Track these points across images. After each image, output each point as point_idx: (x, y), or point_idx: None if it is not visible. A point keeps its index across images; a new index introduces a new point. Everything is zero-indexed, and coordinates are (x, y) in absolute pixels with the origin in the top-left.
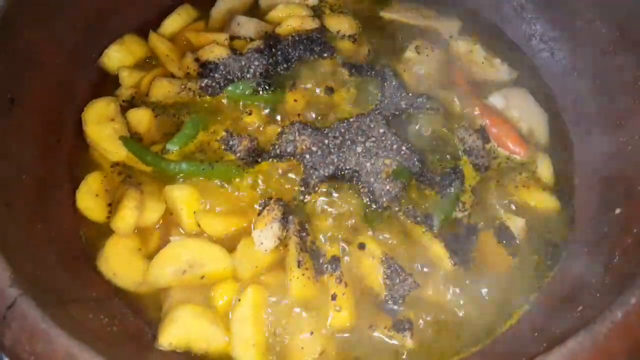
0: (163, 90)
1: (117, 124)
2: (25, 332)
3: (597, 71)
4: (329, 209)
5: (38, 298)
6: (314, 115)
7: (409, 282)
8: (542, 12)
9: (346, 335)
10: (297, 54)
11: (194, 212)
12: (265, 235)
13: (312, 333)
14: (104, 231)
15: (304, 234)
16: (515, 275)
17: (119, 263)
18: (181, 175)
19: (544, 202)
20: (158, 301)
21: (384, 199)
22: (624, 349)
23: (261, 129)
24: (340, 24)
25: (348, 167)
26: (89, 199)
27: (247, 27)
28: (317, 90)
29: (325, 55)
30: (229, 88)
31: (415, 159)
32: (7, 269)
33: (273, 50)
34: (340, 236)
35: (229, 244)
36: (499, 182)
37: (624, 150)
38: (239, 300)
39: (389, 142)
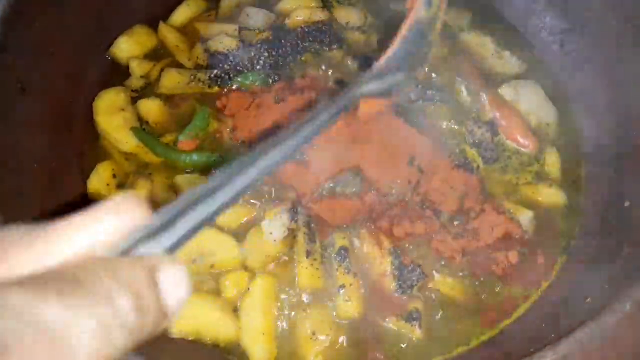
0: (172, 80)
1: (128, 113)
2: None
3: (607, 64)
4: (338, 200)
5: None
6: None
7: (417, 273)
8: (552, 5)
9: (355, 325)
10: (306, 45)
11: None
12: (274, 225)
13: (321, 323)
14: None
15: (313, 224)
16: (523, 266)
17: None
18: (192, 166)
19: (552, 194)
20: None
21: (393, 190)
22: (632, 340)
23: None
24: (349, 16)
25: None
26: (100, 188)
27: (256, 18)
28: (326, 81)
29: (334, 46)
30: (238, 79)
31: None
32: None
33: (282, 41)
34: (348, 227)
35: (239, 234)
36: (507, 174)
37: (634, 143)
38: (249, 289)
39: None
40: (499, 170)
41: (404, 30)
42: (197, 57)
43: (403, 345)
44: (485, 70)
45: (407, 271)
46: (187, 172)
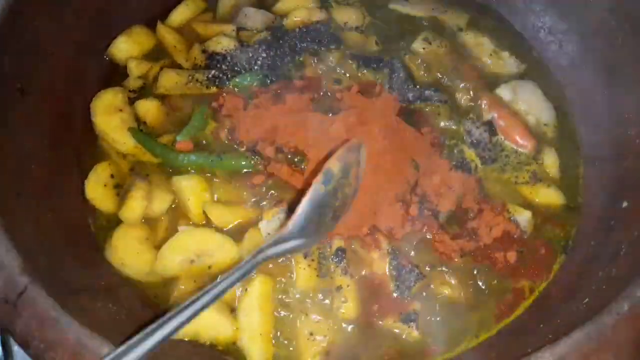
0: (171, 81)
1: (126, 114)
2: (36, 320)
3: (606, 64)
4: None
5: (48, 286)
6: (321, 107)
7: (414, 274)
8: (551, 4)
9: (352, 325)
10: (304, 46)
11: (202, 203)
12: (272, 226)
13: (318, 324)
14: (113, 221)
15: None
16: (521, 266)
17: (128, 252)
18: (190, 166)
19: (551, 195)
20: (166, 290)
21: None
22: (630, 341)
23: None
24: (348, 16)
25: None
26: (98, 188)
27: (255, 18)
28: (325, 82)
29: (333, 47)
30: (236, 80)
31: None
32: (17, 257)
33: (280, 41)
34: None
35: (237, 234)
36: (506, 175)
37: (632, 143)
38: (246, 290)
39: None
40: (497, 170)
41: (303, 203)
42: (195, 58)
43: (401, 346)
44: (483, 71)
45: (405, 272)
46: (185, 173)
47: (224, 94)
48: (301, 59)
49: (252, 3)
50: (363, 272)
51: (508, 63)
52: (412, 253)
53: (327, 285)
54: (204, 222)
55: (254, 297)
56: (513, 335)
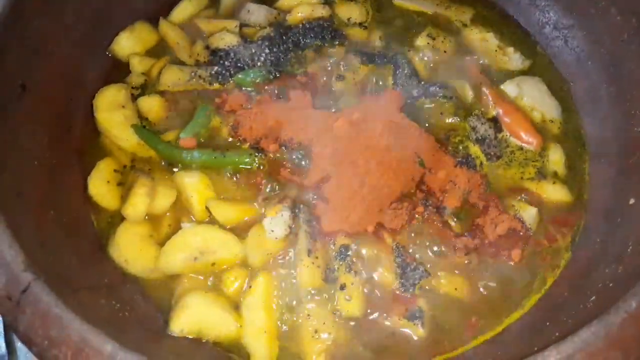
0: (173, 77)
1: (128, 111)
2: (39, 317)
3: (611, 59)
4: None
5: (51, 283)
6: (324, 103)
7: (419, 271)
8: (556, 0)
9: (357, 323)
10: (307, 42)
11: (205, 200)
12: (276, 223)
13: (323, 321)
14: (116, 218)
15: (314, 222)
16: (527, 264)
17: (131, 249)
18: (193, 163)
19: (557, 191)
20: (169, 288)
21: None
22: (638, 340)
23: None
24: (351, 11)
25: None
26: (100, 185)
27: (258, 14)
28: (328, 78)
29: (336, 42)
30: (239, 76)
31: None
32: (20, 254)
33: (283, 37)
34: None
35: (240, 232)
36: (511, 171)
37: (639, 139)
38: (250, 287)
39: None
40: (502, 166)
41: None
42: (198, 54)
43: (406, 344)
44: (488, 66)
45: (410, 269)
46: (189, 170)
47: (227, 90)
48: (304, 55)
49: None
50: (367, 270)
51: (513, 59)
52: (417, 250)
53: (331, 282)
54: (207, 219)
55: (258, 294)
56: (519, 334)
